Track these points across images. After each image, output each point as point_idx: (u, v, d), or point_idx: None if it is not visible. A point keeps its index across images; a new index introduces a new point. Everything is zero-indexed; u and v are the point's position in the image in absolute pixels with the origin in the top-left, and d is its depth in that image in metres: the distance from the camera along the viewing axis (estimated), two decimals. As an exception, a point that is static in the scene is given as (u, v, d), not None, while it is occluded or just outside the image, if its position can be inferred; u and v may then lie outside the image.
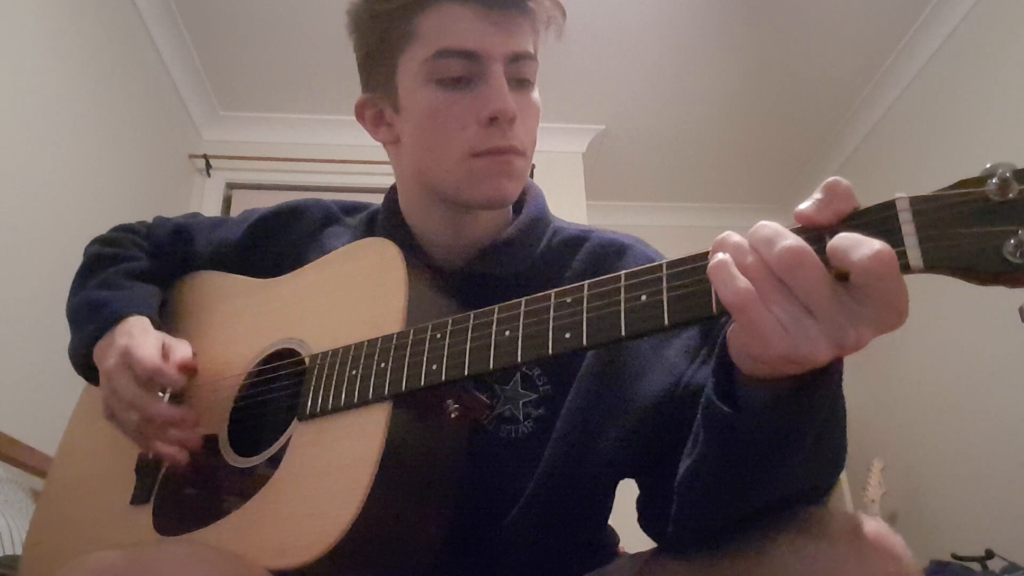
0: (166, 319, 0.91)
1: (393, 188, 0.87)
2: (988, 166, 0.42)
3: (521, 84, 0.76)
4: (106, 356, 0.80)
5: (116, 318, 0.83)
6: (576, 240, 0.83)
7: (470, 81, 0.73)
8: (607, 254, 0.80)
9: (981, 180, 0.42)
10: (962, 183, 0.43)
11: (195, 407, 0.81)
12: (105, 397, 0.80)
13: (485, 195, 0.74)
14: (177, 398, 0.81)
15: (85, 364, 0.86)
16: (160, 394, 0.79)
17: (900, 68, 3.08)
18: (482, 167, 0.73)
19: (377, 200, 0.91)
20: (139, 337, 0.79)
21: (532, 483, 0.72)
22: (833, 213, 0.46)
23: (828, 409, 0.52)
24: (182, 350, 0.81)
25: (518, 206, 0.86)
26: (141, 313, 0.84)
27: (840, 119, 3.45)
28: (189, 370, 0.81)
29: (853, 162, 3.52)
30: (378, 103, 0.82)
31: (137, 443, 0.80)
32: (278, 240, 0.92)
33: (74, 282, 0.95)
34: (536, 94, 0.78)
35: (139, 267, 0.94)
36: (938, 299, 2.63)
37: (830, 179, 0.47)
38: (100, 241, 0.99)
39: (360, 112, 0.84)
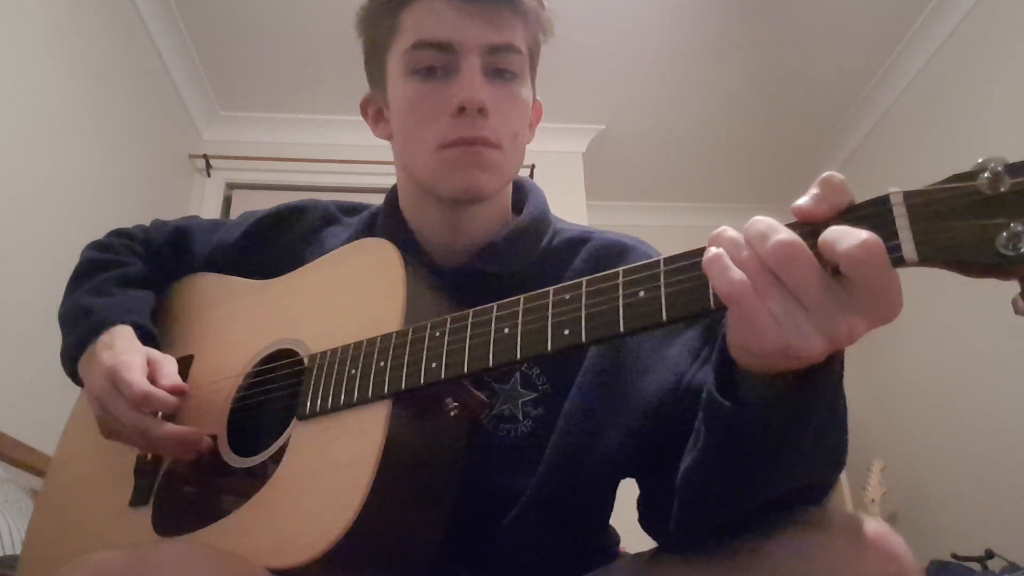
0: (163, 322, 0.91)
1: (395, 187, 0.88)
2: (980, 160, 0.43)
3: (501, 75, 0.75)
4: (92, 375, 0.79)
5: (100, 327, 0.83)
6: (577, 241, 0.83)
7: (446, 73, 0.74)
8: (609, 255, 0.80)
9: (973, 174, 0.43)
10: (955, 177, 0.44)
11: (194, 408, 0.81)
12: (98, 417, 0.78)
13: (456, 186, 0.74)
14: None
15: (73, 371, 0.86)
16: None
17: (900, 68, 3.08)
18: (451, 158, 0.74)
19: (377, 200, 0.91)
20: (123, 355, 0.77)
21: (532, 483, 0.72)
22: (829, 207, 0.47)
23: (828, 405, 0.52)
24: (168, 368, 0.79)
25: (519, 206, 0.86)
26: (126, 321, 0.84)
27: (840, 119, 3.45)
28: (179, 392, 0.78)
29: (853, 162, 3.52)
30: (376, 100, 0.83)
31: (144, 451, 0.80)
32: (277, 241, 0.92)
33: (67, 287, 0.95)
34: (522, 87, 0.78)
35: (132, 273, 0.94)
36: (937, 298, 2.63)
37: (825, 174, 0.47)
38: (94, 246, 0.98)
39: (364, 109, 0.86)
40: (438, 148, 0.74)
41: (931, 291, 2.62)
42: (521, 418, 0.74)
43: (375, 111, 0.84)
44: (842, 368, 0.51)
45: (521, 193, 0.87)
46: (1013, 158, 0.43)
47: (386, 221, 0.86)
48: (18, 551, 1.33)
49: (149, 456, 0.80)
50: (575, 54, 3.01)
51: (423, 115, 0.74)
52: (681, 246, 0.53)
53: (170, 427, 0.75)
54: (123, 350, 0.79)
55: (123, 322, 0.84)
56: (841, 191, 0.46)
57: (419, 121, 0.75)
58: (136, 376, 0.75)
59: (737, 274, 0.46)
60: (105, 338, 0.81)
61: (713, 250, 0.47)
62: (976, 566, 2.29)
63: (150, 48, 2.82)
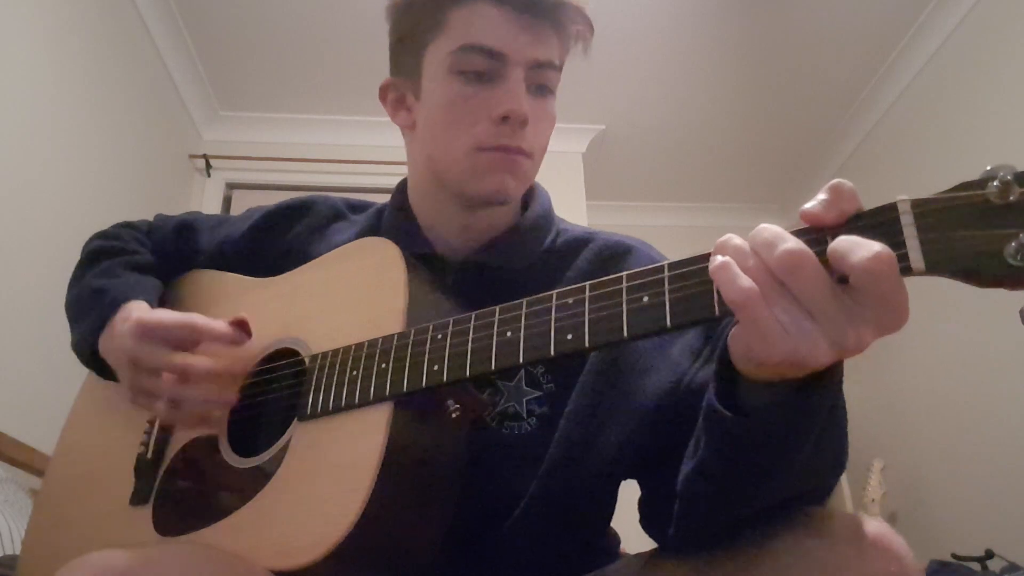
0: None
1: (404, 180, 0.88)
2: (989, 168, 0.42)
3: (540, 91, 0.77)
4: (115, 345, 0.78)
5: (117, 304, 0.82)
6: (580, 241, 0.83)
7: (491, 79, 0.75)
8: (611, 256, 0.81)
9: (982, 183, 0.43)
10: (963, 185, 0.43)
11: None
12: (129, 380, 0.77)
13: (486, 189, 0.76)
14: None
15: (91, 354, 0.84)
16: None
17: (900, 68, 3.08)
18: (487, 161, 0.75)
19: (378, 200, 0.91)
20: (144, 310, 0.78)
21: (535, 483, 0.72)
22: (838, 213, 0.46)
23: (828, 412, 0.52)
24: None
25: (524, 204, 0.86)
26: (141, 299, 0.83)
27: (840, 119, 3.45)
28: (240, 324, 0.79)
29: (853, 162, 3.52)
30: (401, 87, 0.83)
31: (168, 418, 0.78)
32: (284, 236, 0.91)
33: (73, 275, 0.94)
34: (553, 104, 0.80)
35: (140, 260, 0.93)
36: (939, 300, 2.63)
37: (835, 180, 0.47)
38: (101, 236, 0.98)
39: (383, 94, 0.86)
40: (474, 150, 0.75)
41: (932, 293, 2.61)
42: (525, 416, 0.74)
43: (397, 97, 0.84)
44: (842, 373, 0.51)
45: (527, 192, 0.87)
46: (1013, 159, 0.43)
47: (393, 213, 0.86)
48: (18, 551, 1.32)
49: (150, 455, 0.80)
50: (575, 54, 3.00)
51: (463, 116, 0.75)
52: (681, 246, 0.53)
53: (208, 357, 0.75)
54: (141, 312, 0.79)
55: (137, 298, 0.83)
56: (850, 198, 0.46)
57: (457, 121, 0.76)
58: (174, 315, 0.77)
59: (747, 281, 0.46)
60: (122, 314, 0.80)
61: (720, 258, 0.47)
62: (976, 566, 2.29)
63: (150, 48, 2.81)
